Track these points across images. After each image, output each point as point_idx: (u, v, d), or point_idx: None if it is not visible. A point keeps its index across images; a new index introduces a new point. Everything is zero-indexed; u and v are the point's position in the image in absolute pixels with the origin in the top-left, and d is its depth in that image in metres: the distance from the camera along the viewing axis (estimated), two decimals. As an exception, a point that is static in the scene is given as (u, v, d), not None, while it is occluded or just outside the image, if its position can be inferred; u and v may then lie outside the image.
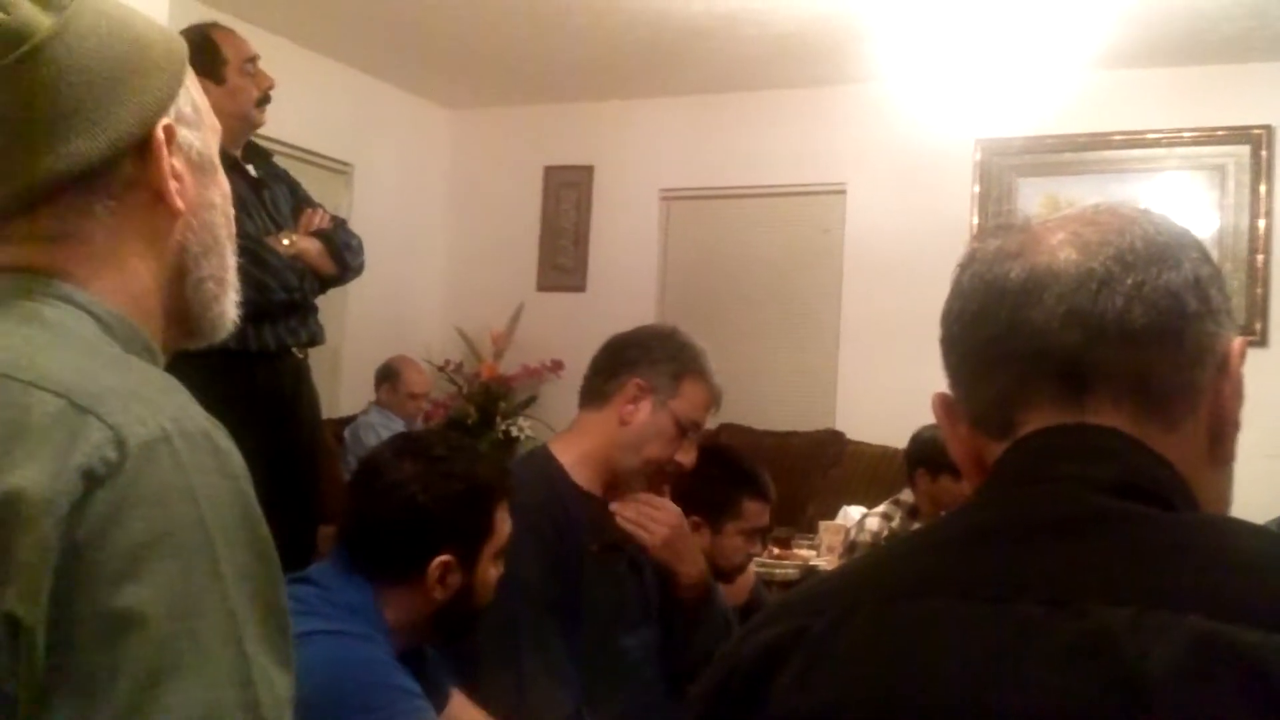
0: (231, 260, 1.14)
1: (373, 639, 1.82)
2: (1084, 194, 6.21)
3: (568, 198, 7.59)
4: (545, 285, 7.59)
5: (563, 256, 7.58)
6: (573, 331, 6.23)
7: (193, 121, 1.10)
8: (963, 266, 0.97)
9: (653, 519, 2.49)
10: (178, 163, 1.06)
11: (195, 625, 0.84)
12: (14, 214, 1.00)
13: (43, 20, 0.98)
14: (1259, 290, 6.07)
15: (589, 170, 7.55)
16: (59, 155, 0.97)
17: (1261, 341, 6.05)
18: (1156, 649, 0.71)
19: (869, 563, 0.91)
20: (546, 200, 7.65)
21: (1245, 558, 0.79)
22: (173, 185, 1.04)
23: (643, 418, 2.45)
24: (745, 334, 7.01)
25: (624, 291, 7.21)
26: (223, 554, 0.87)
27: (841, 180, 6.89)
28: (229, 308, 1.13)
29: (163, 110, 1.05)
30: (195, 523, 0.86)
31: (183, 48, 1.11)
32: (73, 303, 0.99)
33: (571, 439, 2.55)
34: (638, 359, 2.49)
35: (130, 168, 1.02)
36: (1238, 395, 0.94)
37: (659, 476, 2.52)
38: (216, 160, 1.14)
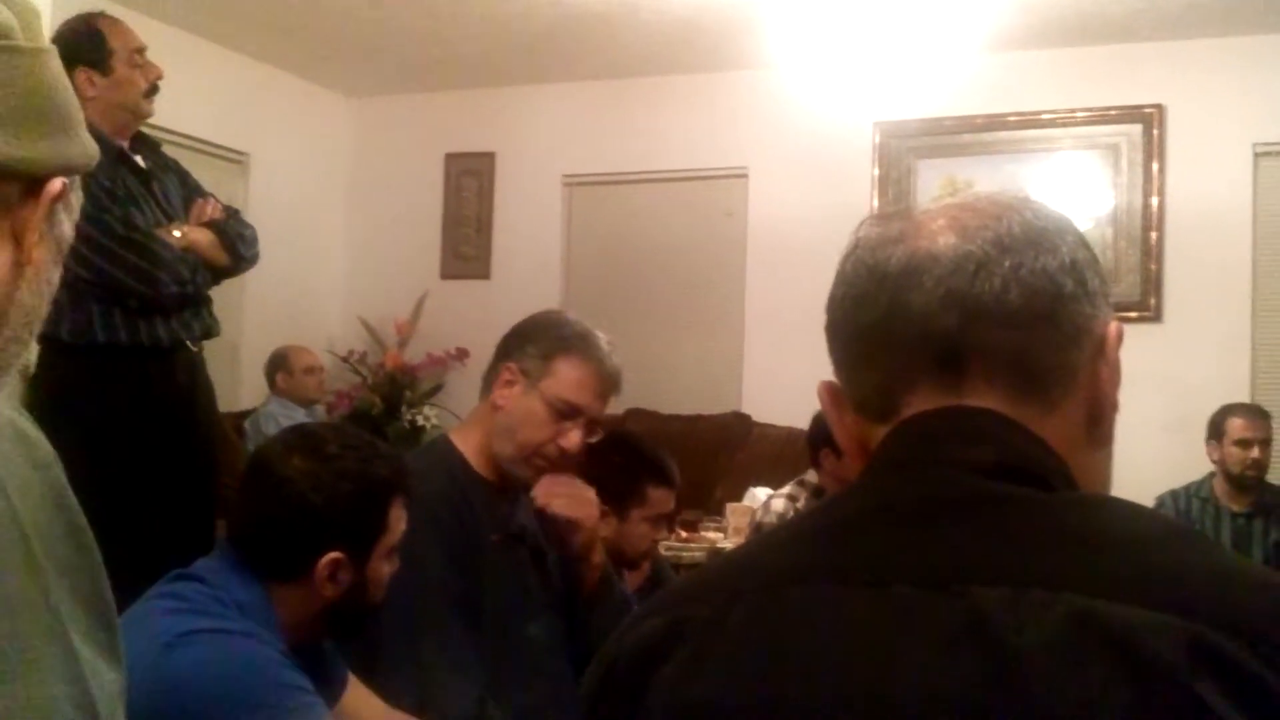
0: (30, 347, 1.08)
1: (260, 636, 1.78)
2: (982, 175, 6.29)
3: (470, 185, 7.55)
4: (449, 273, 7.54)
5: (466, 244, 7.53)
6: (478, 319, 6.19)
7: (71, 214, 1.07)
8: (846, 254, 0.97)
9: (583, 499, 2.50)
10: (45, 227, 1.02)
11: (15, 624, 0.81)
12: None
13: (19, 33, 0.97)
14: (1153, 267, 6.18)
15: (490, 157, 7.51)
16: None
17: (1156, 317, 6.17)
18: (1032, 628, 0.72)
19: (750, 550, 0.91)
20: (448, 188, 7.60)
21: (1121, 536, 0.80)
22: (33, 239, 1.01)
23: (514, 403, 2.43)
24: (650, 319, 7.02)
25: (528, 278, 7.19)
26: (38, 548, 0.84)
27: (743, 165, 6.91)
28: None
29: (69, 173, 1.02)
30: (6, 515, 0.83)
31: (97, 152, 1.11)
32: None
33: (468, 429, 2.53)
34: (514, 346, 2.46)
35: (14, 194, 0.99)
36: (1115, 377, 0.95)
37: (550, 466, 2.49)
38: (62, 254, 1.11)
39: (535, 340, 2.44)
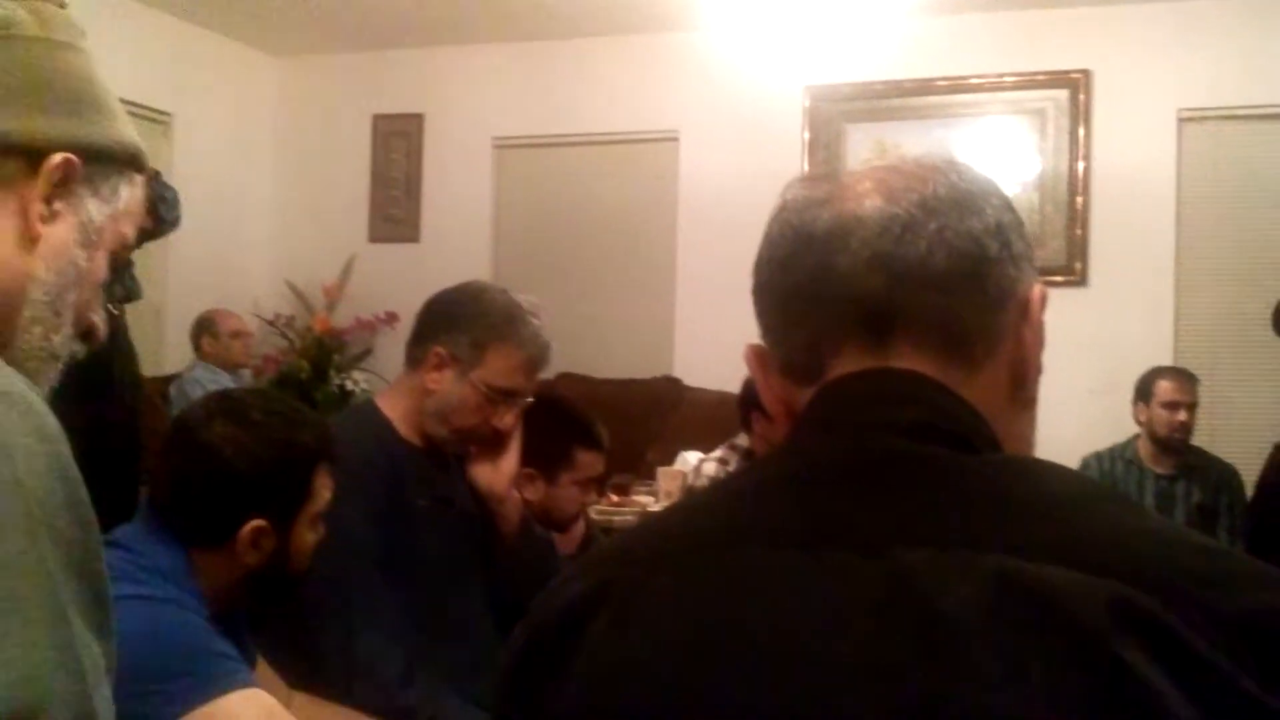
0: (67, 332, 1.13)
1: (183, 603, 1.76)
2: (912, 139, 6.32)
3: (398, 147, 7.47)
4: (377, 236, 7.47)
5: (394, 207, 7.46)
6: (407, 283, 6.12)
7: (107, 201, 1.12)
8: (773, 216, 0.97)
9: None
10: (61, 205, 1.07)
11: (13, 584, 0.81)
12: None
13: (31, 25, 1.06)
14: (1079, 231, 6.25)
15: (419, 118, 7.43)
16: None
17: (1082, 281, 6.24)
18: (958, 590, 0.72)
19: (678, 514, 0.90)
20: (376, 150, 7.52)
21: (1045, 497, 0.80)
22: (37, 211, 1.05)
23: (446, 388, 2.41)
24: (582, 283, 7.01)
25: (458, 242, 7.14)
26: (39, 515, 0.84)
27: (675, 128, 6.90)
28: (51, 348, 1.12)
29: (80, 152, 1.07)
30: (11, 481, 0.83)
31: (144, 159, 1.18)
32: None
33: (395, 396, 2.52)
34: (440, 326, 2.44)
35: (16, 171, 1.04)
36: (1039, 339, 0.96)
37: (484, 442, 2.48)
38: (107, 250, 1.15)
39: (464, 328, 2.41)
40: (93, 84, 1.12)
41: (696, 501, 0.90)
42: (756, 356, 0.98)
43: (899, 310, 0.89)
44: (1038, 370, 0.96)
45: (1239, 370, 5.96)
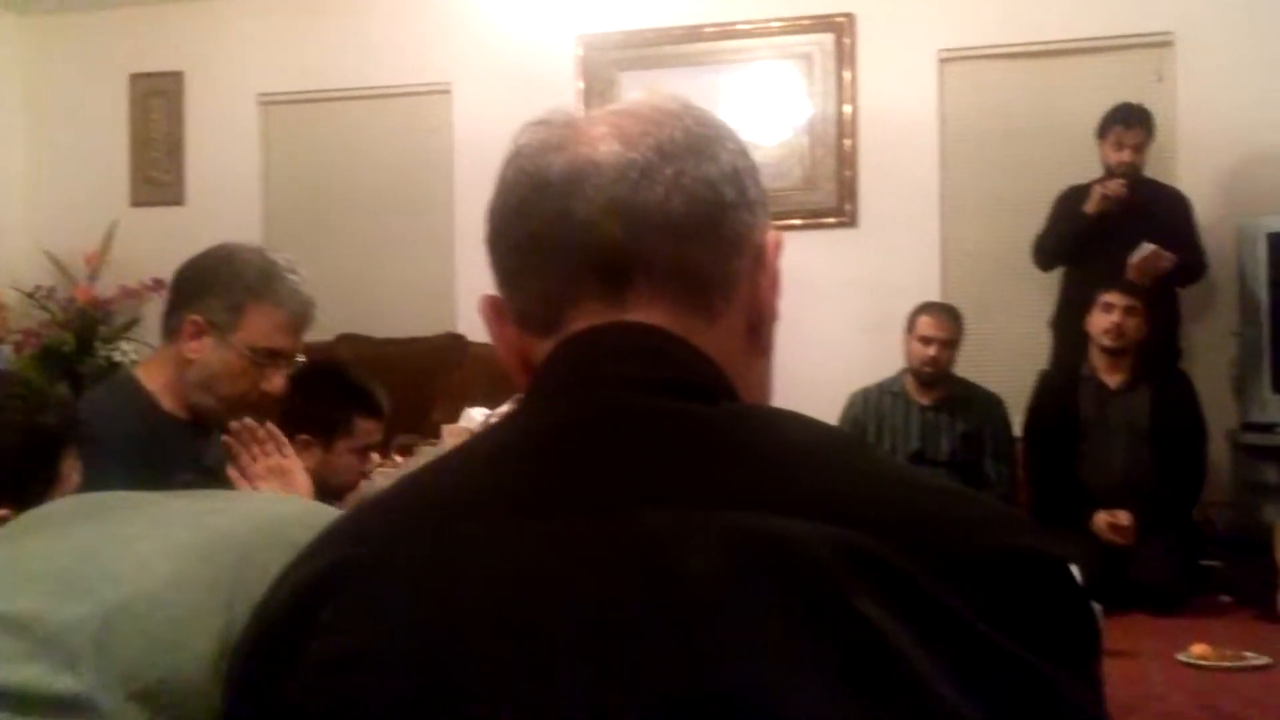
0: None
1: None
2: (684, 86, 6.28)
3: (158, 107, 7.19)
4: (140, 200, 7.20)
5: (156, 169, 7.20)
6: (173, 247, 5.80)
7: None
8: (506, 161, 0.94)
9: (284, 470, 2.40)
10: None
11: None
12: None
13: None
14: (848, 173, 6.37)
15: (179, 76, 7.17)
16: None
17: (852, 223, 6.37)
18: (699, 548, 0.70)
19: (414, 482, 0.87)
20: (134, 110, 7.23)
21: (786, 448, 0.79)
22: None
23: (206, 356, 2.32)
24: (358, 241, 6.88)
25: (226, 203, 6.92)
26: None
27: (446, 80, 6.80)
28: None
29: None
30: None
31: None
32: None
33: (155, 367, 2.42)
34: (193, 293, 2.35)
35: None
36: (775, 286, 0.95)
37: (255, 409, 2.39)
38: None
39: (218, 292, 2.32)
40: None
41: (435, 469, 0.86)
42: (492, 307, 0.96)
43: (636, 258, 0.88)
44: (774, 317, 0.96)
45: (1005, 302, 6.17)
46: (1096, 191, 5.40)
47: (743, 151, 0.94)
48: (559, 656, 0.70)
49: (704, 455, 0.78)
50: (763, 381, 0.97)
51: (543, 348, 0.90)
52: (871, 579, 0.69)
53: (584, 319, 0.89)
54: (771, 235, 0.95)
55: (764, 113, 6.36)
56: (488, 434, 0.88)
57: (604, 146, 0.89)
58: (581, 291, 0.89)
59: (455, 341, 6.55)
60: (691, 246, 0.89)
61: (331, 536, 0.83)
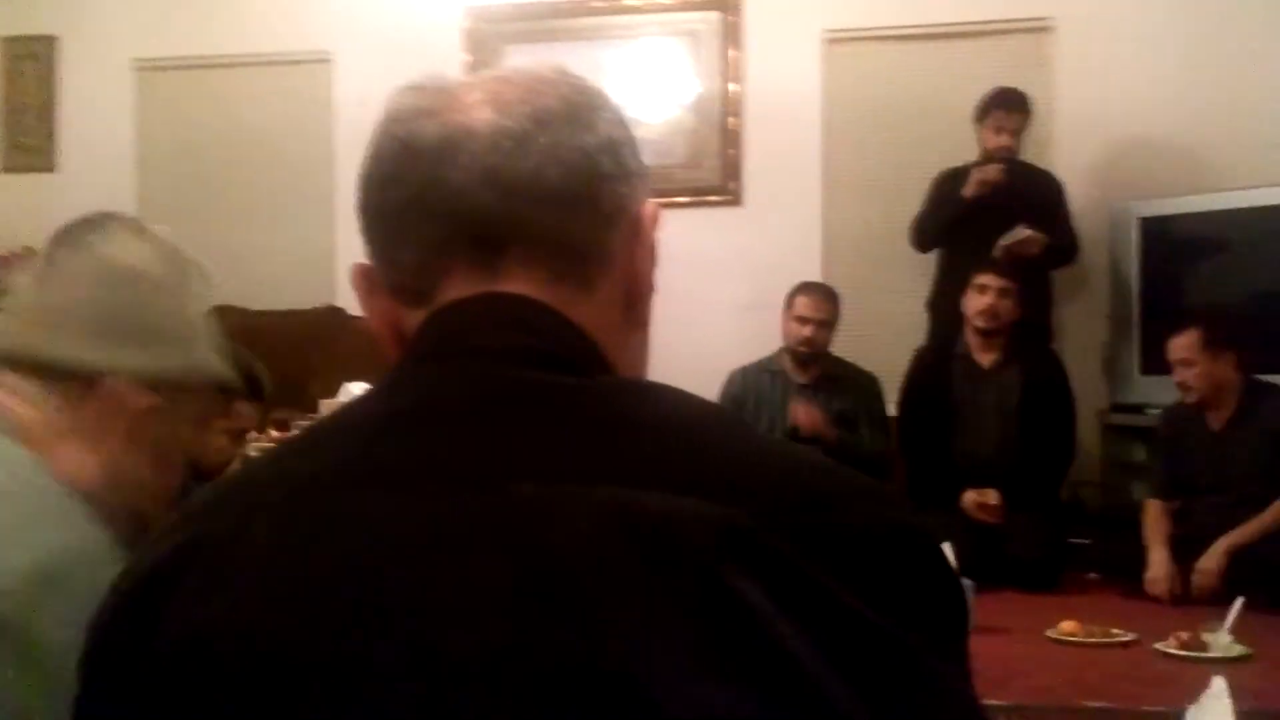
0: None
1: None
2: (570, 61, 6.17)
3: (29, 71, 7.00)
4: (10, 166, 7.01)
5: (28, 135, 7.00)
6: (45, 216, 5.71)
7: (172, 419, 1.41)
8: (379, 126, 0.91)
9: None
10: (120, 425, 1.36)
11: None
12: None
13: None
14: (732, 152, 6.39)
15: (51, 40, 6.97)
16: None
17: (736, 201, 6.40)
18: (569, 523, 0.69)
19: (277, 456, 0.84)
20: (5, 74, 7.02)
21: (657, 423, 0.78)
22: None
23: None
24: (235, 212, 6.76)
25: (99, 171, 6.75)
26: None
27: (327, 50, 6.69)
28: None
29: (140, 379, 1.38)
30: None
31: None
32: None
33: None
34: None
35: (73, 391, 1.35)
36: (651, 258, 0.94)
37: None
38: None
39: None
40: (159, 312, 1.38)
41: (299, 442, 0.84)
42: (363, 276, 0.93)
43: (510, 228, 0.86)
44: (650, 290, 0.95)
45: (885, 282, 6.23)
46: (974, 177, 5.48)
47: (621, 121, 0.92)
48: (421, 633, 0.69)
49: (576, 429, 0.76)
50: (639, 355, 0.96)
51: (414, 318, 0.88)
52: (743, 554, 0.68)
53: (456, 290, 0.87)
54: (649, 207, 0.94)
55: (650, 90, 6.36)
56: (352, 407, 0.86)
57: (478, 114, 0.87)
58: (454, 262, 0.87)
59: (334, 314, 6.46)
60: (567, 217, 0.87)
61: (189, 513, 0.81)
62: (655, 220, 0.94)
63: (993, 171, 5.45)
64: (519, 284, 0.86)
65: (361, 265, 0.93)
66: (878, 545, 0.73)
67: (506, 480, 0.73)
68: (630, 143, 0.93)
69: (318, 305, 6.53)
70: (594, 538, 0.69)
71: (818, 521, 0.72)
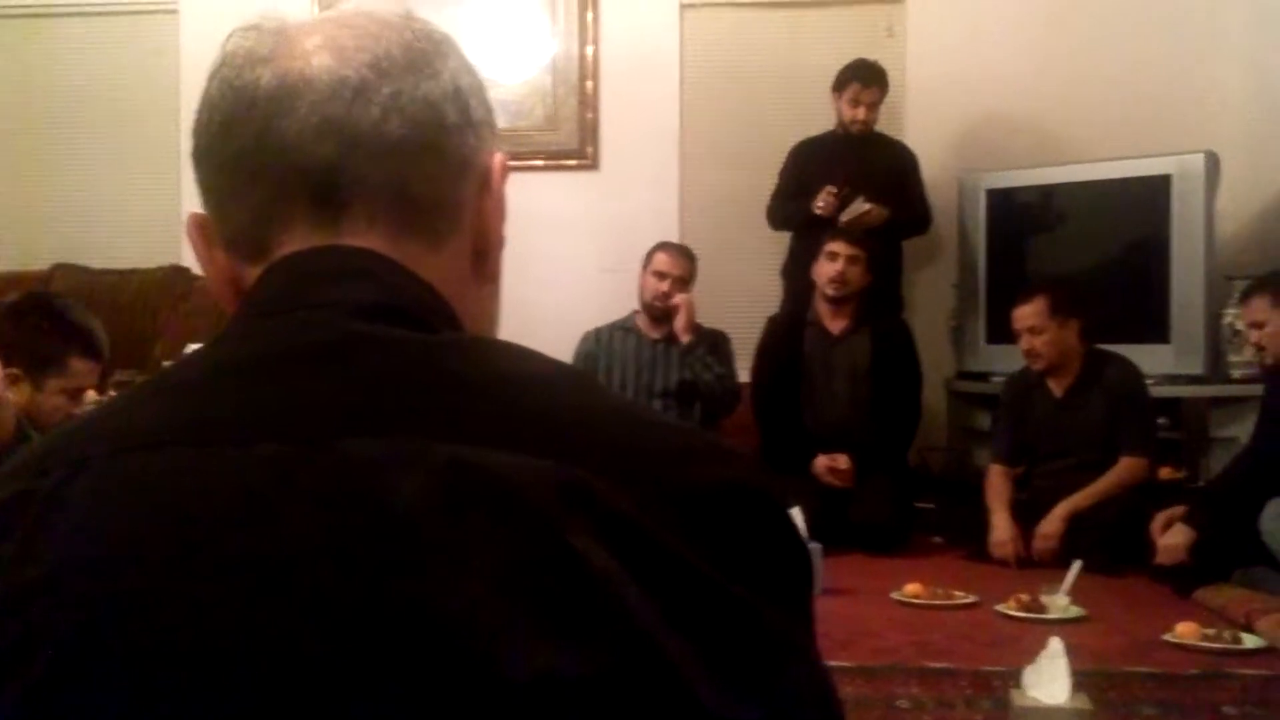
0: None
1: None
2: (426, 14, 6.20)
3: None
4: None
5: None
6: None
7: None
8: (212, 72, 0.87)
9: None
10: None
11: None
12: None
13: None
14: (590, 115, 6.37)
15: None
16: None
17: (594, 165, 6.39)
18: (408, 481, 0.67)
19: (106, 412, 0.80)
20: None
21: (503, 380, 0.76)
22: None
23: None
24: (76, 167, 6.55)
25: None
26: None
27: (172, 0, 6.51)
28: None
29: None
30: None
31: None
32: None
33: None
34: None
35: None
36: (500, 212, 0.91)
37: None
38: None
39: None
40: None
41: (128, 398, 0.80)
42: (198, 228, 0.89)
43: (352, 182, 0.83)
44: (500, 243, 0.92)
45: (741, 248, 6.28)
46: (819, 201, 5.54)
47: (468, 69, 0.89)
48: (251, 589, 0.66)
49: (417, 385, 0.74)
50: (489, 311, 0.94)
51: (253, 273, 0.85)
52: (587, 513, 0.67)
53: (295, 244, 0.83)
54: (498, 158, 0.91)
55: (507, 50, 6.29)
56: (185, 362, 0.82)
57: (316, 60, 0.84)
58: (292, 215, 0.83)
59: (179, 274, 6.29)
60: (411, 169, 0.84)
61: (15, 468, 0.77)
62: (504, 172, 0.91)
63: (825, 200, 5.52)
64: (363, 238, 0.84)
65: (197, 216, 0.89)
66: (722, 505, 0.72)
67: (342, 435, 0.70)
68: (478, 91, 0.90)
69: (163, 265, 6.36)
70: (433, 495, 0.67)
71: (662, 480, 0.71)
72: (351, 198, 0.83)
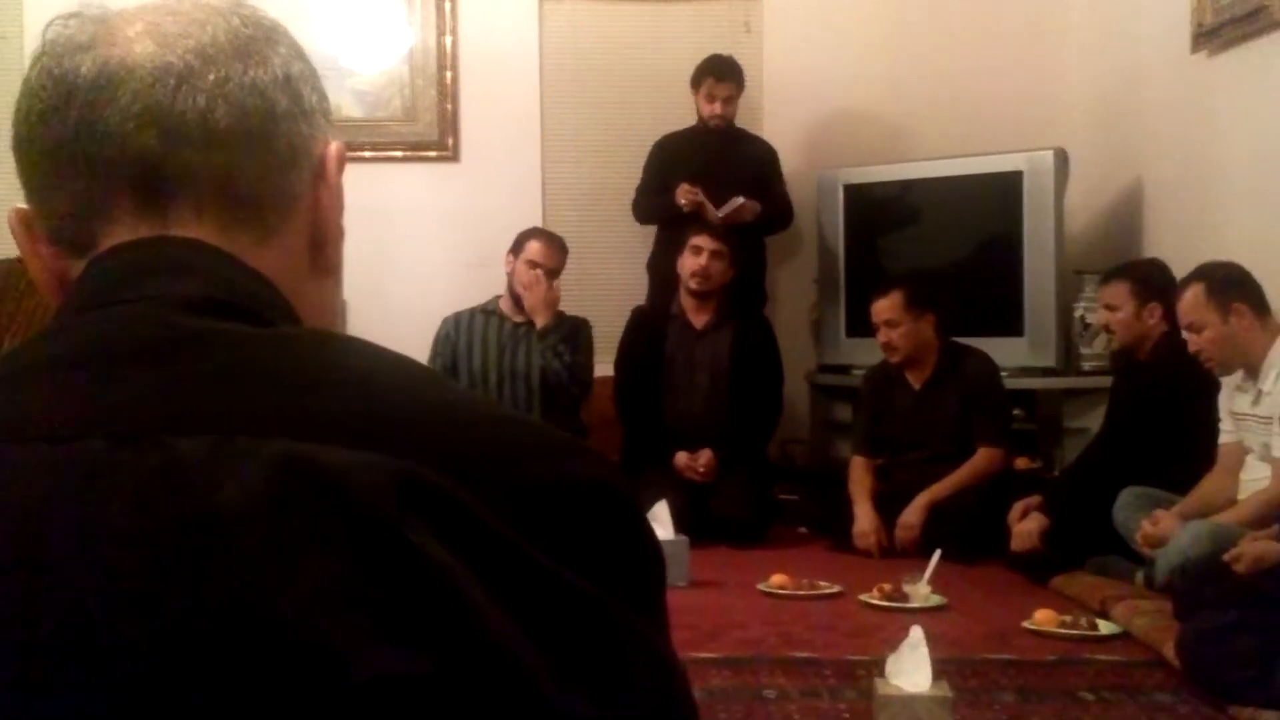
0: None
1: None
2: (281, 6, 5.96)
3: None
4: None
5: None
6: None
7: None
8: (33, 59, 0.84)
9: None
10: None
11: None
12: None
13: None
14: (449, 106, 6.30)
15: None
16: None
17: (454, 157, 6.32)
18: (235, 479, 0.64)
19: None
20: None
21: (339, 374, 0.74)
22: None
23: None
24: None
25: None
26: None
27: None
28: None
29: None
30: None
31: None
32: None
33: None
34: None
35: None
36: (337, 202, 0.89)
37: None
38: None
39: None
40: None
41: None
42: (20, 221, 0.85)
43: (177, 173, 0.80)
44: (339, 234, 0.90)
45: (606, 241, 6.29)
46: (680, 197, 5.56)
47: (298, 55, 0.87)
48: (67, 588, 0.63)
49: (249, 380, 0.71)
50: (327, 304, 0.91)
51: (78, 267, 0.82)
52: (425, 509, 0.65)
53: (120, 236, 0.81)
54: (334, 147, 0.89)
55: (364, 39, 6.19)
56: (6, 356, 0.78)
57: (138, 47, 0.81)
58: (116, 206, 0.81)
59: (21, 267, 6.09)
60: (240, 159, 0.82)
61: None
62: (341, 161, 0.90)
63: (686, 194, 5.55)
64: (190, 230, 0.81)
65: (19, 210, 0.86)
66: (564, 498, 0.71)
67: (166, 432, 0.67)
68: (310, 78, 0.88)
69: (10, 257, 6.15)
70: (263, 493, 0.65)
71: (504, 475, 0.70)
72: (178, 188, 0.81)
